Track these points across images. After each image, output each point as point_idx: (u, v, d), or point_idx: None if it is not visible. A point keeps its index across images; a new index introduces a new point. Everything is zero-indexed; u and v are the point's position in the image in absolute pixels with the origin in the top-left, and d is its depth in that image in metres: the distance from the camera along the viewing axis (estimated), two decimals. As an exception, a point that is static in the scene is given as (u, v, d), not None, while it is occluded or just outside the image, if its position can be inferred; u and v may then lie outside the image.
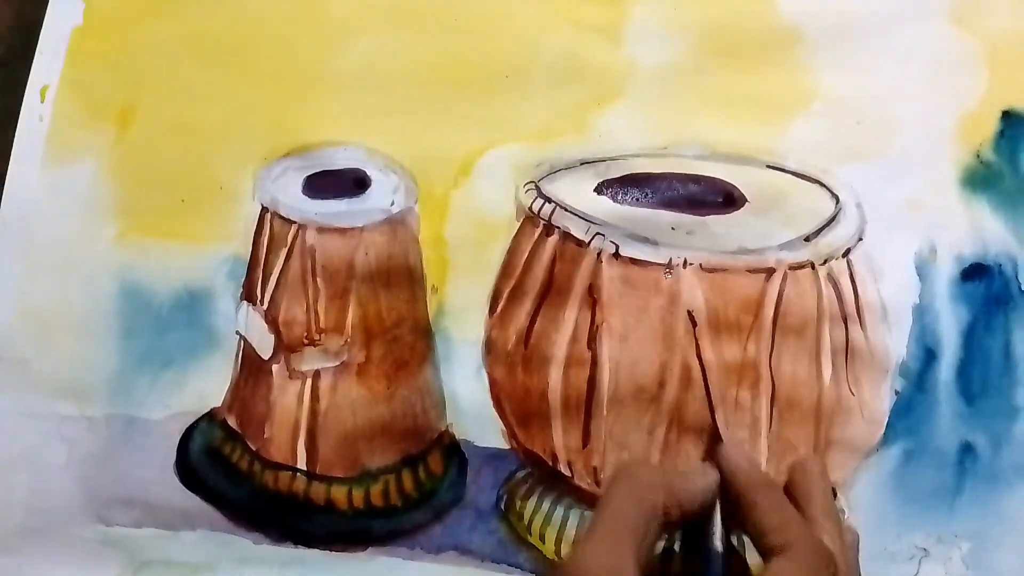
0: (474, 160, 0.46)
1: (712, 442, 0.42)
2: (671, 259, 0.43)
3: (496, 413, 0.44)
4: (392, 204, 0.45)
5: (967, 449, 0.43)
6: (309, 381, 0.45)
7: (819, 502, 0.39)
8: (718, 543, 0.38)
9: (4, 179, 0.47)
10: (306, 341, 0.45)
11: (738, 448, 0.41)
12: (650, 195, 0.45)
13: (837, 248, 0.43)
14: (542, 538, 0.44)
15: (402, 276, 0.45)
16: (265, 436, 0.45)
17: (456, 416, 0.45)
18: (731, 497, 0.38)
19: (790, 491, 0.39)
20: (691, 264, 0.43)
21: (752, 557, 0.37)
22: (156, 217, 0.46)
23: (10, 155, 0.48)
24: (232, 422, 0.46)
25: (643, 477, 0.37)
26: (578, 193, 0.45)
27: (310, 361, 0.45)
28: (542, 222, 0.44)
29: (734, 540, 0.39)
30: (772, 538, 0.37)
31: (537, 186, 0.45)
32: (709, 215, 0.44)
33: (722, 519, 0.38)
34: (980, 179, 0.45)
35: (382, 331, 0.45)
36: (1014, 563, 0.42)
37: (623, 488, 0.37)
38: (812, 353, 0.43)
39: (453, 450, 0.45)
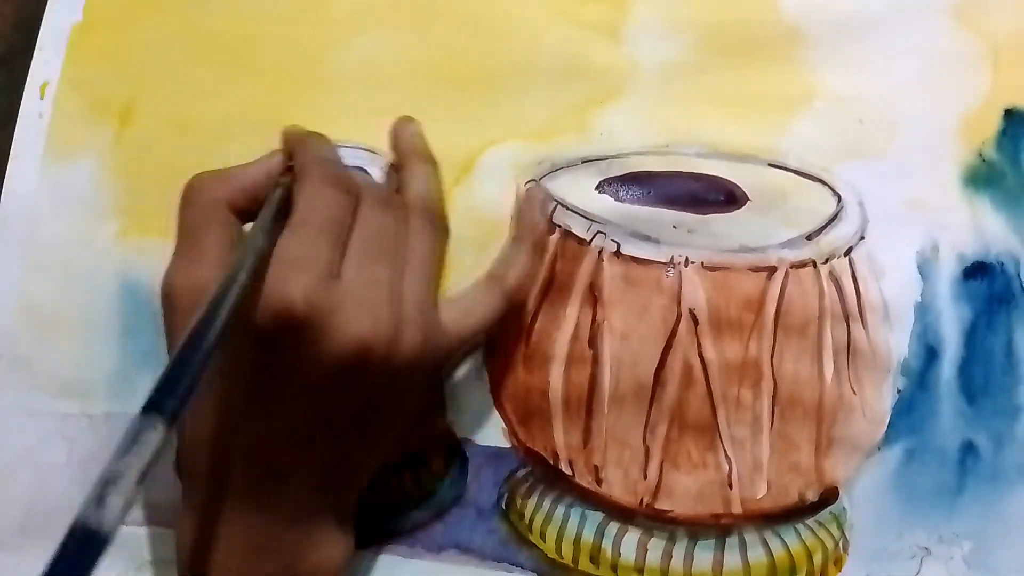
0: (475, 158, 0.46)
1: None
2: (672, 257, 0.43)
3: (497, 411, 0.44)
4: (393, 202, 0.45)
5: (969, 448, 0.43)
6: (310, 379, 0.45)
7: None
8: None
9: (4, 177, 0.47)
10: (307, 339, 0.45)
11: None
12: (651, 193, 0.45)
13: (839, 247, 0.43)
14: (543, 537, 0.44)
15: (403, 274, 0.45)
16: (265, 434, 0.45)
17: (457, 414, 0.45)
18: None
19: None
20: (692, 263, 0.43)
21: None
22: (157, 215, 0.46)
23: (9, 152, 0.47)
24: (232, 420, 0.45)
25: (196, 181, 0.39)
26: (579, 191, 0.45)
27: (311, 359, 0.45)
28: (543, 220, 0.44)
29: None
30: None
31: (538, 184, 0.45)
32: (711, 213, 0.44)
33: None
34: (982, 178, 0.45)
35: (383, 329, 0.45)
36: (1016, 563, 0.42)
37: (184, 200, 0.39)
38: (814, 352, 0.43)
39: (454, 449, 0.45)
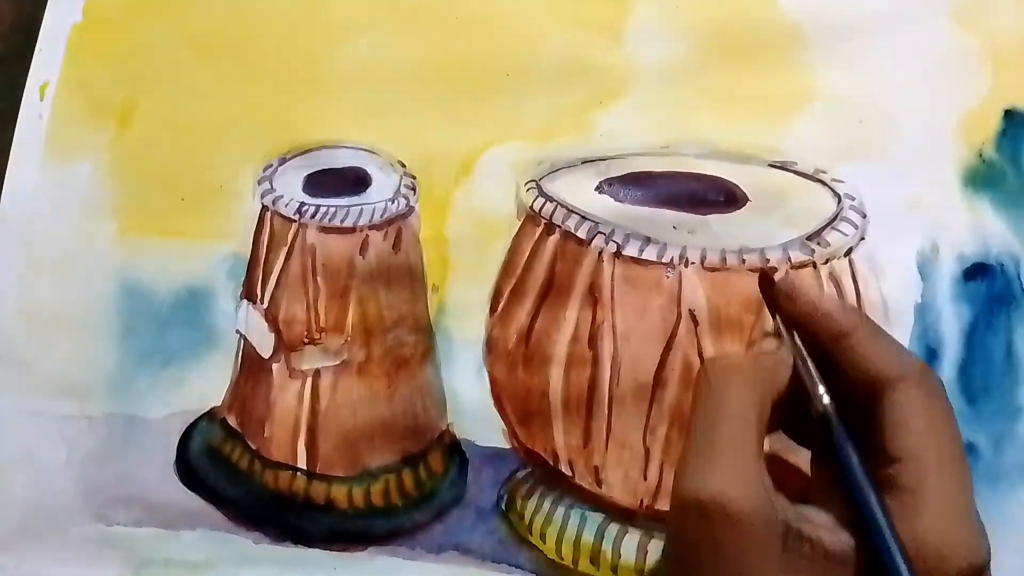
0: (475, 159, 0.46)
1: (765, 283, 0.37)
2: (672, 258, 0.43)
3: (497, 412, 0.44)
4: (393, 202, 0.45)
5: (969, 449, 0.43)
6: (309, 380, 0.45)
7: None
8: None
9: (3, 177, 0.47)
10: (306, 340, 0.45)
11: (795, 279, 0.36)
12: (651, 194, 0.45)
13: (839, 247, 0.43)
14: (543, 538, 0.44)
15: (402, 275, 0.45)
16: (265, 435, 0.45)
17: (457, 415, 0.45)
18: (815, 340, 0.33)
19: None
20: (692, 263, 0.43)
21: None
22: (156, 216, 0.46)
23: (9, 153, 0.47)
24: (232, 421, 0.46)
25: (748, 368, 0.33)
26: (579, 192, 0.45)
27: (310, 360, 0.45)
28: (543, 221, 0.44)
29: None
30: (883, 368, 0.32)
31: (538, 184, 0.45)
32: (711, 214, 0.44)
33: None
34: (982, 178, 0.45)
35: (382, 330, 0.45)
36: (1016, 564, 0.42)
37: (732, 384, 0.32)
38: (814, 352, 0.42)
39: (454, 449, 0.45)
